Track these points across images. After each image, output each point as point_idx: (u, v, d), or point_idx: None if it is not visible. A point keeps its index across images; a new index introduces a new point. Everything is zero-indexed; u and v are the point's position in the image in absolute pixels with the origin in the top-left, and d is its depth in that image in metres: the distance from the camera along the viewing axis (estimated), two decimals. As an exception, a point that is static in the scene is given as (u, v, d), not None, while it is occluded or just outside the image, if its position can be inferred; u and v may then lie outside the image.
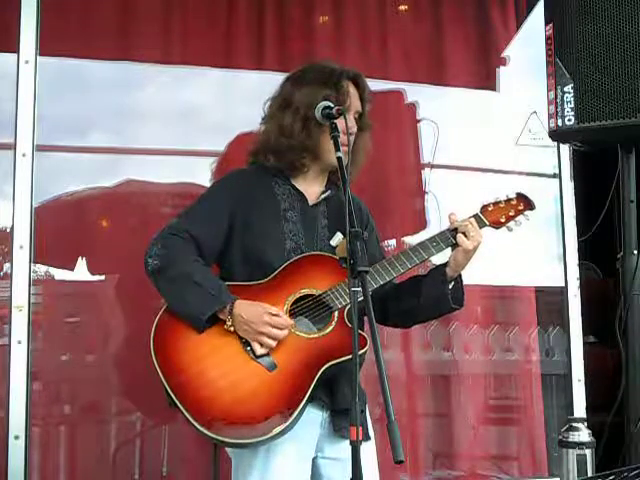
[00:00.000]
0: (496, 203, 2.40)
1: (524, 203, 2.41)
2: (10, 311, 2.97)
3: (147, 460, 3.38)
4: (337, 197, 2.43)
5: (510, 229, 2.40)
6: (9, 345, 2.96)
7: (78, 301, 3.40)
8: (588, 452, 2.84)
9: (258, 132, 2.46)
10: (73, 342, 3.28)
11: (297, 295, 2.25)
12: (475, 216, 2.37)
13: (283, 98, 2.41)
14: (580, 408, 3.61)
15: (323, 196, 2.42)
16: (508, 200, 2.41)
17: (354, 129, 2.36)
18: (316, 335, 2.22)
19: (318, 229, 2.38)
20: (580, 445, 2.84)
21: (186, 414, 2.12)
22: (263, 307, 2.18)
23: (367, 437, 2.28)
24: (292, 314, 2.24)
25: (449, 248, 2.33)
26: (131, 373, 3.22)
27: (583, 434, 2.88)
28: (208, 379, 2.16)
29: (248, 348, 2.19)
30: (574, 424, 2.90)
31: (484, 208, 2.39)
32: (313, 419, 2.25)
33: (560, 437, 2.94)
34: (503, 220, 2.38)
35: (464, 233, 2.29)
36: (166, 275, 2.23)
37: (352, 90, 2.40)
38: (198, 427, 2.10)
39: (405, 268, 2.29)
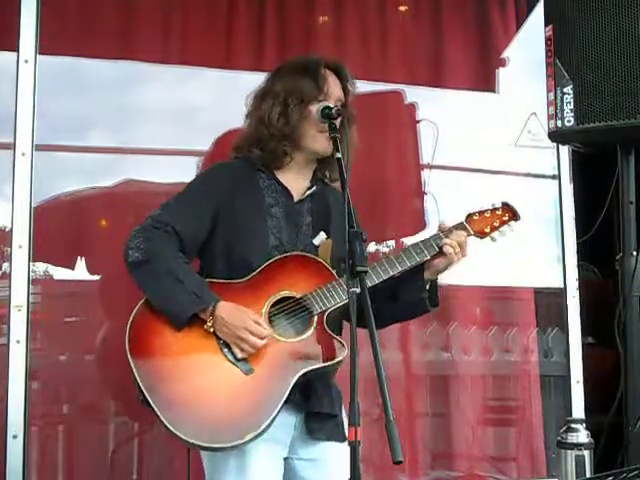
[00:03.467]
0: (482, 212, 2.37)
1: (509, 214, 2.38)
2: (9, 310, 2.96)
3: (145, 460, 3.38)
4: (323, 193, 2.40)
5: (494, 239, 2.37)
6: (8, 344, 2.95)
7: (77, 301, 3.40)
8: (587, 453, 2.84)
9: (243, 128, 2.45)
10: (71, 342, 3.28)
11: (277, 297, 2.23)
12: (460, 224, 2.34)
13: (263, 90, 2.42)
14: (579, 409, 3.61)
15: (308, 192, 2.39)
16: (494, 210, 2.38)
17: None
18: (294, 340, 2.19)
19: (301, 226, 2.35)
20: (579, 446, 2.84)
21: (158, 413, 2.08)
22: (246, 313, 2.16)
23: (343, 438, 2.22)
24: (271, 316, 2.21)
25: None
26: (130, 373, 3.21)
27: (582, 435, 2.88)
28: (183, 379, 2.14)
29: (225, 350, 2.16)
30: (573, 425, 2.89)
31: (469, 217, 2.37)
32: (287, 421, 2.23)
33: (559, 438, 2.94)
34: (487, 230, 2.36)
35: (452, 246, 2.26)
36: (148, 269, 2.20)
37: (332, 79, 2.38)
38: (170, 428, 2.07)
39: (387, 275, 2.25)
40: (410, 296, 2.33)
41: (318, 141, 2.33)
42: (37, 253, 3.06)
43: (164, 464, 3.35)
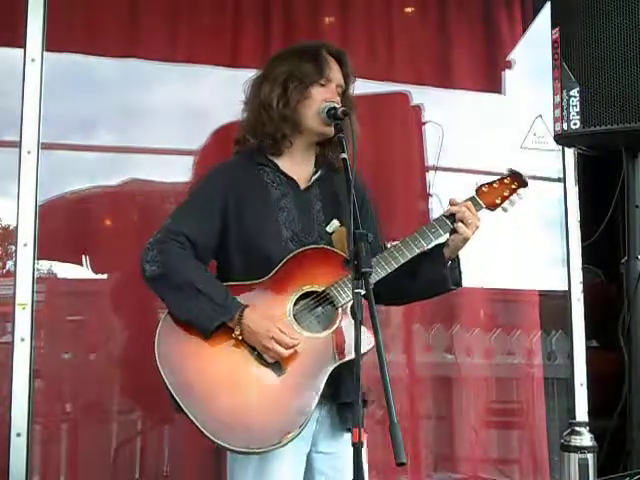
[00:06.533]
0: (490, 184, 2.36)
1: (517, 181, 2.37)
2: (13, 309, 2.96)
3: (148, 459, 3.38)
4: (329, 177, 2.37)
5: (505, 210, 2.36)
6: (12, 342, 2.95)
7: (81, 299, 3.41)
8: (590, 456, 2.84)
9: (242, 119, 2.41)
10: (76, 340, 3.28)
11: (300, 293, 2.21)
12: (471, 199, 2.33)
13: (262, 75, 2.38)
14: (582, 412, 3.60)
15: (314, 177, 2.36)
16: (502, 179, 2.37)
17: (336, 98, 2.31)
18: (322, 335, 2.18)
19: (313, 213, 2.32)
20: (582, 449, 2.84)
21: (195, 422, 2.07)
22: (273, 321, 2.14)
23: None
24: (296, 313, 2.20)
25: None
26: (133, 372, 3.22)
27: (585, 438, 2.88)
28: (215, 386, 2.12)
29: (256, 353, 2.15)
30: (576, 428, 2.90)
31: (479, 189, 2.35)
32: (312, 416, 2.20)
33: (562, 441, 2.94)
34: (498, 201, 2.35)
35: (462, 220, 2.26)
36: (168, 282, 2.18)
37: (334, 64, 2.36)
38: (209, 436, 2.05)
39: (405, 258, 2.25)
40: (431, 274, 2.31)
41: (319, 122, 2.30)
42: (42, 251, 3.06)
43: (167, 463, 3.37)
